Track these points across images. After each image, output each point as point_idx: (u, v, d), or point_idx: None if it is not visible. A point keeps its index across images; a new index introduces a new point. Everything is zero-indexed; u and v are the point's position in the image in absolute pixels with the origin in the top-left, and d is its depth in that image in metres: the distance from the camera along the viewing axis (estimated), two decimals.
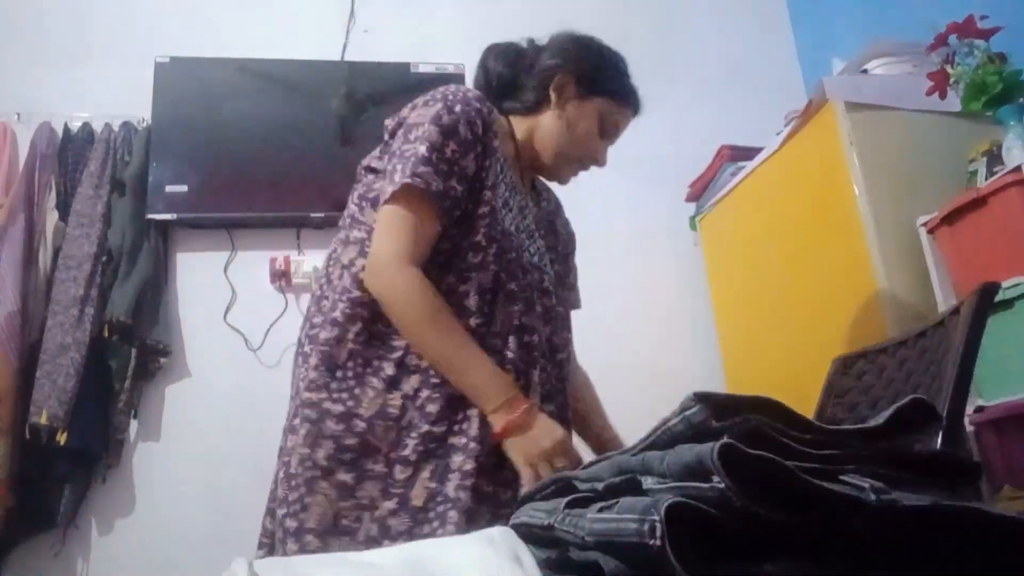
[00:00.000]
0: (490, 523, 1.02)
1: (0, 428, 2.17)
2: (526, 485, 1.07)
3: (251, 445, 2.36)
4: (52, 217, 2.44)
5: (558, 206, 1.50)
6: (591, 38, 1.38)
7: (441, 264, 1.17)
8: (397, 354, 1.15)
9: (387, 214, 1.14)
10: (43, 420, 2.18)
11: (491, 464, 1.12)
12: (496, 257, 1.17)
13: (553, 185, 1.50)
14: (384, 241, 1.13)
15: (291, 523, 1.09)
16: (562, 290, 1.40)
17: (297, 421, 1.16)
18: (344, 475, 1.10)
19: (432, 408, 1.12)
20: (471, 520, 1.06)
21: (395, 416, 1.12)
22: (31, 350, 2.30)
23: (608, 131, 1.34)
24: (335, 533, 1.08)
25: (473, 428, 1.12)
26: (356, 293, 1.17)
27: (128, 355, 2.38)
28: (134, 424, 2.41)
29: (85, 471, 2.31)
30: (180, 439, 2.45)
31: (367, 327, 1.16)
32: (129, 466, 2.38)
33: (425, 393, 1.13)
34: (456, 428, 1.13)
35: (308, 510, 1.09)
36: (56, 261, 2.38)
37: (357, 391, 1.13)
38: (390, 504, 1.09)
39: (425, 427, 1.11)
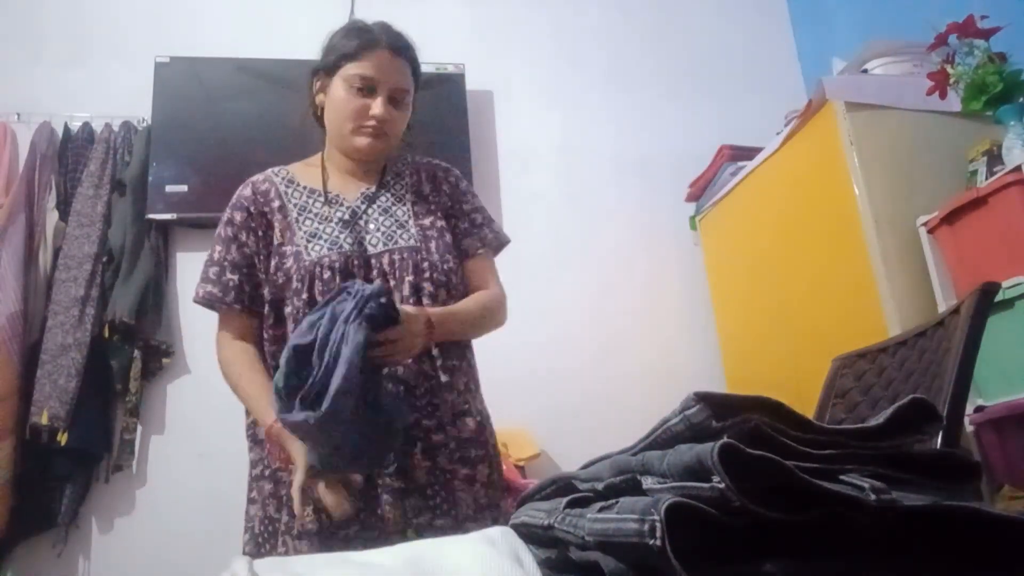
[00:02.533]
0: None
1: (1, 428, 2.17)
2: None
3: None
4: (52, 217, 2.44)
5: (425, 173, 1.49)
6: (335, 29, 1.47)
7: (271, 315, 1.34)
8: None
9: None
10: (44, 420, 2.19)
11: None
12: (307, 288, 1.30)
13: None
14: None
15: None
16: (460, 238, 1.45)
17: (254, 494, 1.37)
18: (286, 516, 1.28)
19: None
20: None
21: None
22: (32, 350, 2.30)
23: (365, 87, 1.35)
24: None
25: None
26: None
27: (129, 355, 2.38)
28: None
29: (86, 471, 2.31)
30: (180, 438, 2.45)
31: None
32: (130, 465, 2.38)
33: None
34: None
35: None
36: (56, 261, 2.39)
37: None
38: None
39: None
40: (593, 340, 2.73)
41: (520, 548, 0.59)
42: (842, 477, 0.48)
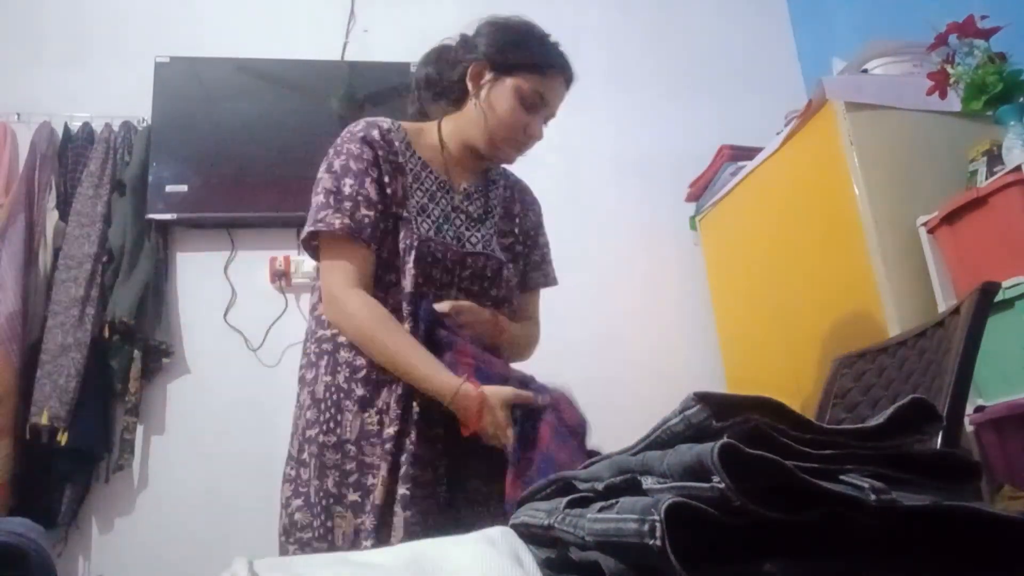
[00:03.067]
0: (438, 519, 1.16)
1: (1, 428, 2.17)
2: (508, 444, 1.16)
3: (252, 445, 2.36)
4: (52, 217, 2.44)
5: (517, 192, 1.52)
6: (507, 19, 1.39)
7: (374, 281, 1.28)
8: (362, 373, 1.26)
9: (321, 259, 1.30)
10: (44, 420, 2.19)
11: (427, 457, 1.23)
12: (415, 264, 1.26)
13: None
14: (326, 277, 1.28)
15: (320, 545, 1.20)
16: (529, 270, 1.49)
17: (305, 456, 1.26)
18: (353, 495, 1.21)
19: (394, 413, 1.23)
20: (419, 513, 1.18)
21: (375, 431, 1.23)
22: (32, 350, 2.30)
23: (535, 104, 1.34)
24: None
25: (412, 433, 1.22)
26: (320, 332, 1.31)
27: (129, 355, 2.38)
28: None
29: (86, 471, 2.31)
30: (181, 438, 2.45)
31: (333, 357, 1.28)
32: (130, 465, 2.38)
33: (392, 403, 1.24)
34: (408, 430, 1.23)
35: (333, 532, 1.20)
36: (56, 261, 2.39)
37: (339, 418, 1.24)
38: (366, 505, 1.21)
39: (390, 431, 1.23)
40: (593, 340, 2.73)
41: (520, 548, 0.59)
42: (842, 477, 0.48)
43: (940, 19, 1.80)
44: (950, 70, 1.78)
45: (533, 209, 1.53)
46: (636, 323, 2.79)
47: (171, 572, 2.24)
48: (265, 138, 2.59)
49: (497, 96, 1.33)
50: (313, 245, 1.30)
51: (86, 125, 2.58)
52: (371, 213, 1.25)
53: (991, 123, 1.81)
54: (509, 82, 1.32)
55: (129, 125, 2.60)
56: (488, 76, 1.34)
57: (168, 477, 2.41)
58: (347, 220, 1.24)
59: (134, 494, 2.38)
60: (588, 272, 2.82)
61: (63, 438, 2.20)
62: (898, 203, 1.90)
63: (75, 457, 2.26)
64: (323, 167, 1.32)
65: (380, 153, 1.30)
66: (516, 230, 1.46)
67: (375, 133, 1.31)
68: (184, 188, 2.52)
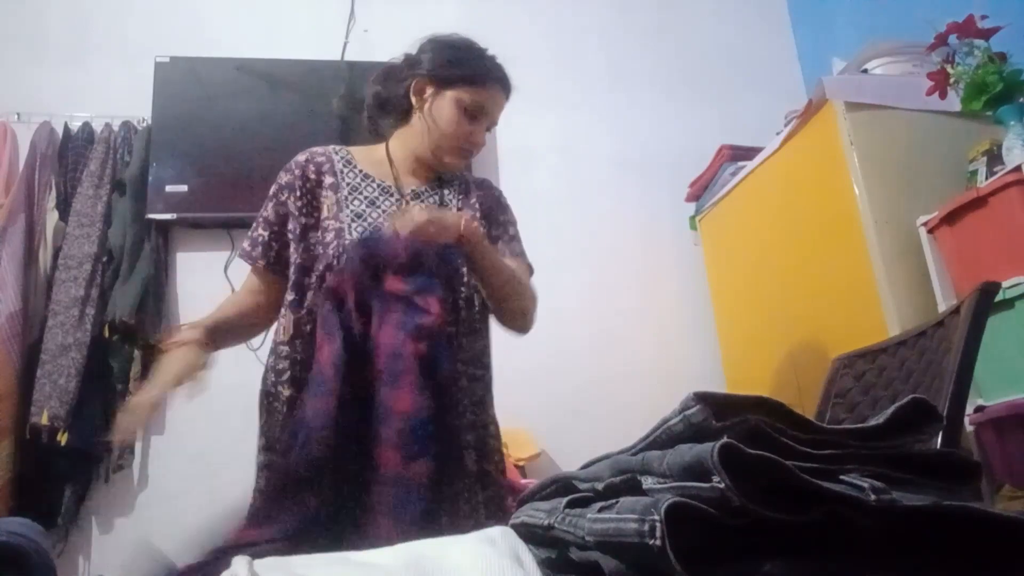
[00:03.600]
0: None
1: (1, 428, 2.17)
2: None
3: (251, 445, 2.36)
4: (52, 217, 2.44)
5: (473, 183, 1.55)
6: (448, 36, 1.49)
7: (294, 285, 1.37)
8: (286, 376, 1.39)
9: None
10: (44, 420, 2.19)
11: None
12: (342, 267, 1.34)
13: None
14: None
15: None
16: (494, 243, 1.50)
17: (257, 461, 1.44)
18: None
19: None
20: None
21: None
22: (32, 350, 2.30)
23: (475, 114, 1.43)
24: None
25: None
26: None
27: (129, 355, 2.38)
28: None
29: (86, 471, 2.31)
30: (180, 438, 2.45)
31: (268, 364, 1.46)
32: (130, 465, 2.38)
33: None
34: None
35: None
36: (56, 261, 2.39)
37: (271, 421, 1.42)
38: None
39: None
40: (593, 340, 2.73)
41: (520, 548, 0.59)
42: (842, 477, 0.48)
43: (940, 19, 1.81)
44: (950, 70, 1.78)
45: (491, 194, 1.55)
46: (636, 323, 2.79)
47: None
48: (265, 138, 2.59)
49: (439, 108, 1.41)
50: None
51: (86, 125, 2.58)
52: (265, 233, 1.41)
53: (991, 123, 1.81)
54: (449, 95, 1.41)
55: (129, 125, 2.60)
56: (430, 90, 1.43)
57: (168, 477, 2.41)
58: (246, 244, 1.42)
59: (134, 494, 2.38)
60: (588, 272, 2.82)
61: (63, 438, 2.20)
62: (898, 203, 1.90)
63: (75, 457, 2.26)
64: None
65: (298, 172, 1.42)
66: (477, 214, 1.48)
67: (301, 158, 1.45)
68: (184, 188, 2.52)
